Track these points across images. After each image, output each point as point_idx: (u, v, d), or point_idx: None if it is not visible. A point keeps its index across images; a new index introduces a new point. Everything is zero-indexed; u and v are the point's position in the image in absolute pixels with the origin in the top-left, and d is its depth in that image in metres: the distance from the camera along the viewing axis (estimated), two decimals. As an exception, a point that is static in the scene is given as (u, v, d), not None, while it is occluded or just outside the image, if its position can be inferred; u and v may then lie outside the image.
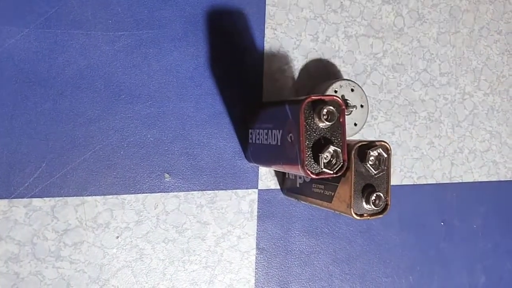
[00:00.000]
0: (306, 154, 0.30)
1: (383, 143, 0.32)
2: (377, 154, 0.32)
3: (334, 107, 0.30)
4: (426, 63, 0.48)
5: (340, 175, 0.31)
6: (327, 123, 0.30)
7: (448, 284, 0.50)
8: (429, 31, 0.48)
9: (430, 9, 0.48)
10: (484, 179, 0.52)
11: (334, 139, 0.31)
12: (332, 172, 0.30)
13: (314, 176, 0.30)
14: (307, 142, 0.30)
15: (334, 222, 0.44)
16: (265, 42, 0.41)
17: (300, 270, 0.43)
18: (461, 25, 0.50)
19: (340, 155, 0.30)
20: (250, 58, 0.40)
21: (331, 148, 0.30)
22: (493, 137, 0.52)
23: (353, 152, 0.31)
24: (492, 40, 0.52)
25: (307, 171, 0.30)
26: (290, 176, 0.40)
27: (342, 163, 0.30)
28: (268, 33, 0.41)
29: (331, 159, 0.30)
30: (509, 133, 0.53)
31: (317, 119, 0.30)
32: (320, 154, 0.30)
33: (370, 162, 0.32)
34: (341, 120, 0.31)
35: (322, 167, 0.30)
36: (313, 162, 0.30)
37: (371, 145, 0.32)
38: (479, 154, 0.51)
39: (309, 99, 0.30)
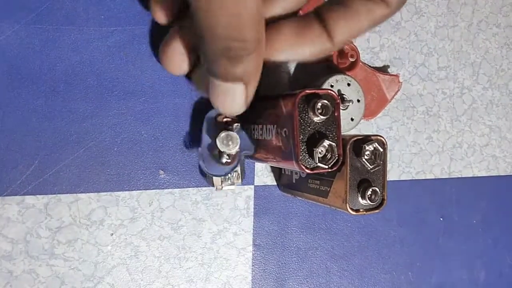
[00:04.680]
0: (301, 148, 0.29)
1: (378, 137, 0.32)
2: (372, 148, 0.31)
3: (328, 101, 0.29)
4: (424, 57, 0.48)
5: (335, 170, 0.30)
6: (322, 117, 0.29)
7: (448, 279, 0.50)
8: (426, 24, 0.48)
9: (427, 2, 0.48)
10: (484, 174, 0.51)
11: (329, 134, 0.30)
12: (327, 167, 0.30)
13: (309, 171, 0.30)
14: (301, 137, 0.29)
15: (331, 218, 0.44)
16: (260, 37, 0.40)
17: (298, 266, 0.42)
18: (459, 18, 0.50)
19: (335, 149, 0.30)
20: (245, 53, 0.40)
21: (326, 143, 0.29)
22: (493, 132, 0.52)
23: (348, 146, 0.31)
24: (490, 34, 0.51)
25: (302, 166, 0.30)
26: (287, 172, 0.40)
27: (337, 158, 0.30)
28: (263, 27, 0.40)
29: (326, 153, 0.30)
30: (509, 128, 0.52)
31: (312, 113, 0.29)
32: (314, 149, 0.29)
33: (366, 157, 0.31)
34: (336, 114, 0.30)
35: (317, 162, 0.29)
36: (307, 157, 0.30)
37: (366, 139, 0.31)
38: (479, 149, 0.51)
39: (303, 93, 0.29)
